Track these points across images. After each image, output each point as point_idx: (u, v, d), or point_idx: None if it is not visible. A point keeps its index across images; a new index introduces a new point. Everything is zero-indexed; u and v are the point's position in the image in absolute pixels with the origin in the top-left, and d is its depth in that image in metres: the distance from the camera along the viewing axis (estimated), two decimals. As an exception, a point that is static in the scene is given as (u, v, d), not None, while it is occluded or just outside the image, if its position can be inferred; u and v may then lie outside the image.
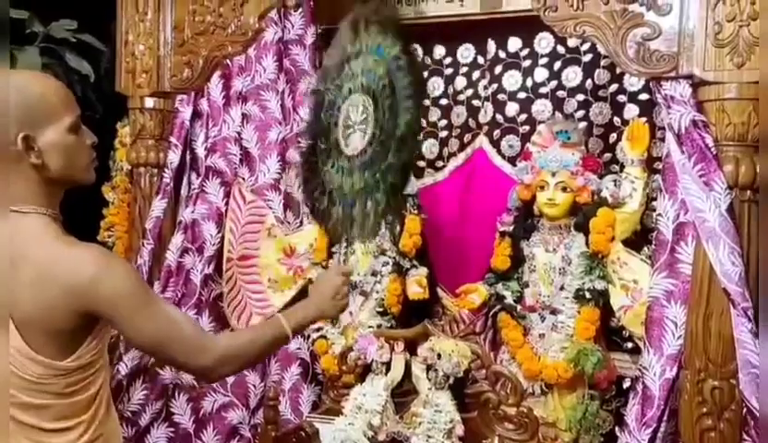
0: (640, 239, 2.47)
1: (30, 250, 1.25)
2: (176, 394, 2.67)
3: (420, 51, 2.93)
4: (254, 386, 2.73)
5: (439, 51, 2.94)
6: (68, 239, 1.29)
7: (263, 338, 1.47)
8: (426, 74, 2.92)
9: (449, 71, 2.94)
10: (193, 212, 2.77)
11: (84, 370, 1.30)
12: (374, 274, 2.63)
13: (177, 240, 2.72)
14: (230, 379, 2.69)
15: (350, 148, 1.68)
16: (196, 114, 2.81)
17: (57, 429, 1.30)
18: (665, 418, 2.08)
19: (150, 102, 2.79)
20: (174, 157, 2.76)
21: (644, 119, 2.46)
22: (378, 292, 2.64)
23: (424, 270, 2.63)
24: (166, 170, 2.75)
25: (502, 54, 2.84)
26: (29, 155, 1.27)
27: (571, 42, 2.72)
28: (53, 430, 1.29)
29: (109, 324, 1.32)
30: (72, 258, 1.25)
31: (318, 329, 2.69)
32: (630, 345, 2.46)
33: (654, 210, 2.31)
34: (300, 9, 2.76)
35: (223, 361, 1.37)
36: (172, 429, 2.66)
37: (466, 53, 2.90)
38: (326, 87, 1.78)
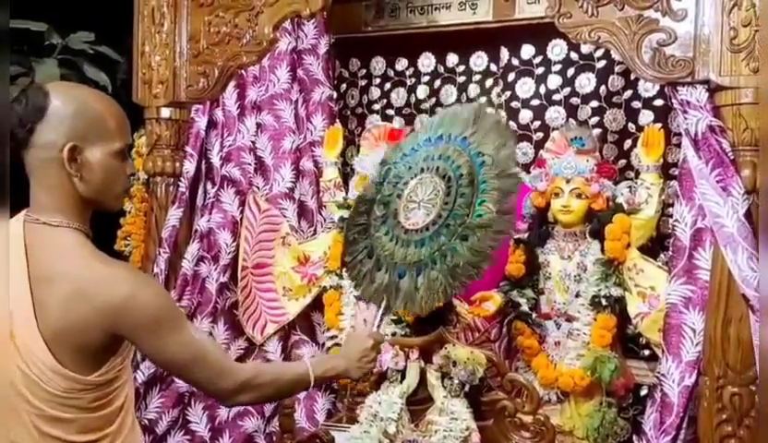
0: (655, 246, 2.46)
1: (65, 266, 1.26)
2: (192, 402, 2.67)
3: (432, 59, 2.94)
4: (269, 394, 2.73)
5: (452, 59, 2.96)
6: (103, 257, 1.30)
7: (286, 377, 1.50)
8: (439, 82, 2.95)
9: (461, 79, 2.95)
10: (208, 221, 2.78)
11: (109, 385, 1.30)
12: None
13: (193, 249, 2.73)
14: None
15: (410, 221, 1.73)
16: (211, 124, 2.82)
17: (82, 442, 1.29)
18: (684, 425, 2.06)
19: (165, 113, 2.78)
20: (189, 166, 2.77)
21: (659, 125, 2.45)
22: (392, 300, 2.63)
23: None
24: (182, 179, 2.76)
25: (515, 62, 2.85)
26: (69, 165, 1.28)
27: (585, 49, 2.73)
28: None
29: (134, 345, 1.33)
30: (107, 278, 1.25)
31: (333, 338, 2.69)
32: (646, 353, 2.45)
33: (671, 217, 2.30)
34: (313, 19, 2.77)
35: (244, 388, 1.39)
36: (188, 437, 2.66)
37: (479, 60, 2.92)
38: (394, 161, 1.84)
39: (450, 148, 1.74)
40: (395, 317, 2.61)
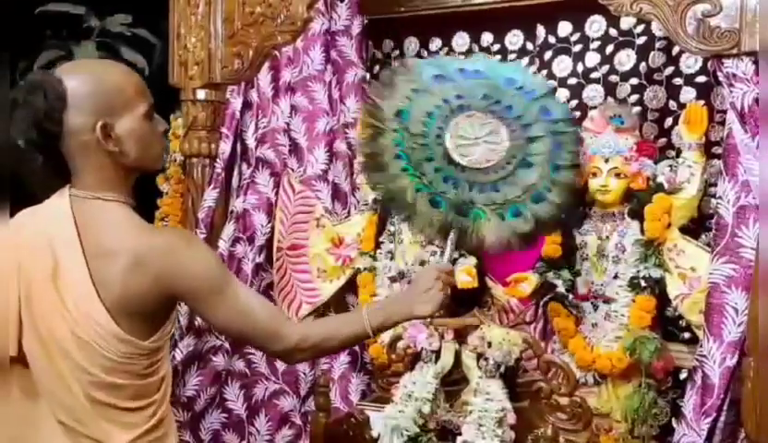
0: (697, 226, 2.40)
1: (121, 239, 1.31)
2: (230, 381, 2.70)
3: (467, 39, 2.90)
4: (304, 374, 2.76)
5: (487, 38, 2.90)
6: (152, 227, 1.38)
7: (340, 336, 1.49)
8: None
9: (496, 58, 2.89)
10: (244, 202, 2.79)
11: (159, 351, 1.38)
12: (422, 264, 2.61)
13: (229, 229, 2.74)
14: (281, 368, 2.73)
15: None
16: (246, 106, 2.82)
17: (133, 408, 1.36)
18: (725, 407, 2.02)
19: (201, 94, 2.80)
20: (225, 147, 2.77)
21: (702, 102, 2.38)
22: (426, 281, 2.61)
23: (472, 260, 2.60)
24: (218, 160, 2.77)
25: (552, 40, 2.78)
26: (107, 143, 1.31)
27: (624, 25, 2.65)
28: (128, 409, 1.35)
29: (191, 308, 1.41)
30: (159, 245, 1.32)
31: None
32: (686, 335, 2.39)
33: (713, 196, 2.24)
34: (346, 0, 2.76)
35: (296, 350, 1.43)
36: (225, 415, 2.69)
37: (515, 39, 2.85)
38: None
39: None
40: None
